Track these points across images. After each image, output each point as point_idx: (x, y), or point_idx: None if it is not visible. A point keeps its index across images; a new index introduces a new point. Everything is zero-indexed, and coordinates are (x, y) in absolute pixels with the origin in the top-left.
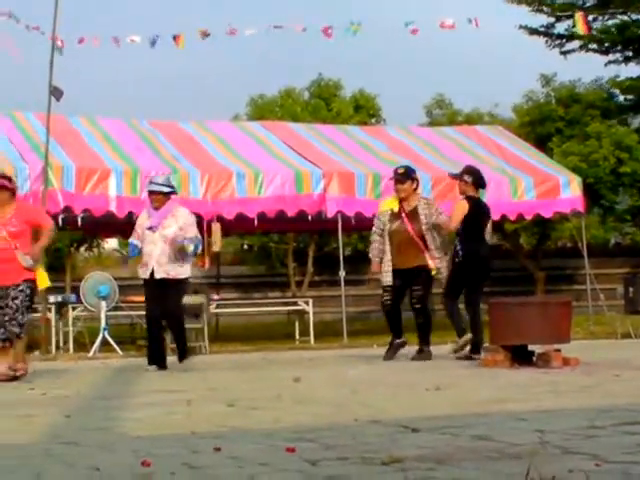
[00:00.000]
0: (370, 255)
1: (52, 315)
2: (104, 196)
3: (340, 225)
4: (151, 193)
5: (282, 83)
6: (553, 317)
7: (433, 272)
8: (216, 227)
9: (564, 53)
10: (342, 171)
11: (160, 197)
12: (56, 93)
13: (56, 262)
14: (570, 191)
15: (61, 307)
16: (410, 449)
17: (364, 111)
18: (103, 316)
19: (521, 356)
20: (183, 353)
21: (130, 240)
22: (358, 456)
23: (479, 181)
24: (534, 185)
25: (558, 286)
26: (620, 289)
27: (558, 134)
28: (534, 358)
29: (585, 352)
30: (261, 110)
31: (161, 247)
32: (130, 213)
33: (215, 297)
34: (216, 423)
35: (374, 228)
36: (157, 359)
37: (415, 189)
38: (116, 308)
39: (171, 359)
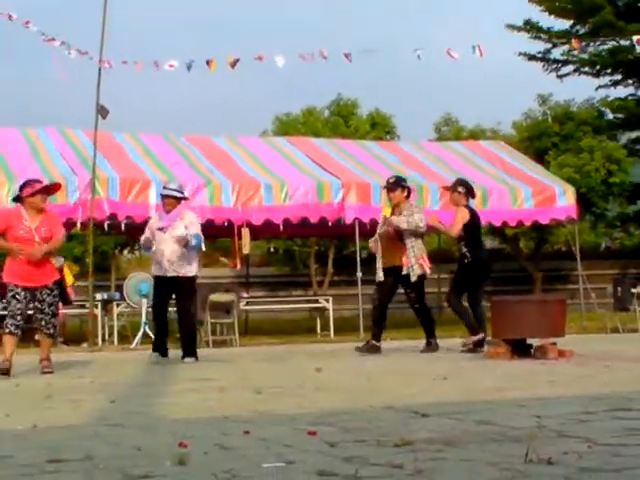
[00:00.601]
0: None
1: (98, 311)
2: (145, 204)
3: (357, 230)
4: (164, 197)
5: (305, 102)
6: (549, 313)
7: (404, 272)
8: (245, 232)
9: (560, 76)
10: (359, 182)
11: (172, 201)
12: (103, 112)
13: (102, 263)
14: (565, 200)
15: (106, 304)
16: (420, 432)
17: (380, 128)
18: (144, 312)
19: (520, 349)
20: (189, 351)
21: (144, 241)
22: (373, 439)
23: (471, 192)
24: (532, 194)
25: (554, 286)
26: (610, 289)
27: (554, 148)
28: (532, 350)
29: (578, 345)
30: (286, 127)
31: (171, 247)
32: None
33: (245, 295)
34: (245, 408)
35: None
36: (161, 349)
37: (407, 197)
38: None
39: (203, 352)
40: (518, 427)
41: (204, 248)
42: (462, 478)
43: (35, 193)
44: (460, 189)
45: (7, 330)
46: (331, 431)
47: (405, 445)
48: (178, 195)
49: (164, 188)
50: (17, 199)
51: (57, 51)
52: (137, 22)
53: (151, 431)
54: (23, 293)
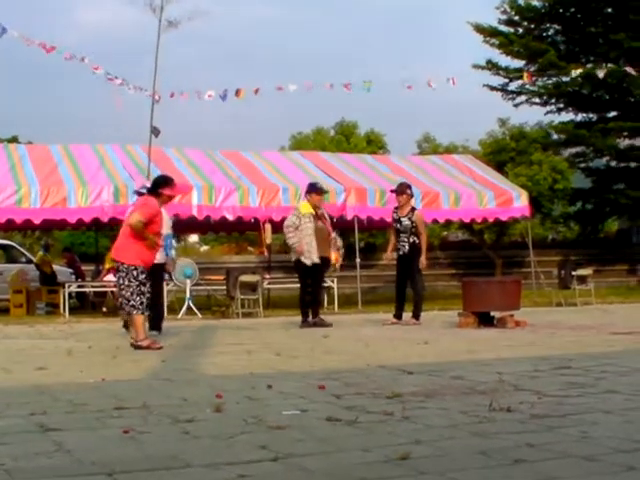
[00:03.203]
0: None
1: None
2: (188, 204)
3: (356, 225)
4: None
5: (314, 123)
6: (508, 291)
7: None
8: (268, 227)
9: (515, 105)
10: (357, 187)
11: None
12: (155, 132)
13: None
14: (520, 202)
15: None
16: (407, 387)
17: (374, 144)
18: (188, 290)
19: (485, 320)
20: (154, 324)
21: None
22: (369, 392)
23: (412, 193)
24: (494, 197)
25: (511, 269)
26: (555, 271)
27: (511, 161)
28: (494, 321)
29: (531, 316)
30: (299, 143)
31: None
32: (207, 217)
33: (267, 276)
34: (268, 367)
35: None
36: (157, 326)
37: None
38: (197, 284)
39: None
40: (484, 382)
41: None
42: (440, 423)
43: (174, 195)
44: (409, 192)
45: (141, 311)
46: (336, 385)
47: (395, 397)
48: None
49: (143, 187)
50: (154, 192)
51: (117, 88)
52: (183, 60)
53: (194, 385)
54: (146, 275)
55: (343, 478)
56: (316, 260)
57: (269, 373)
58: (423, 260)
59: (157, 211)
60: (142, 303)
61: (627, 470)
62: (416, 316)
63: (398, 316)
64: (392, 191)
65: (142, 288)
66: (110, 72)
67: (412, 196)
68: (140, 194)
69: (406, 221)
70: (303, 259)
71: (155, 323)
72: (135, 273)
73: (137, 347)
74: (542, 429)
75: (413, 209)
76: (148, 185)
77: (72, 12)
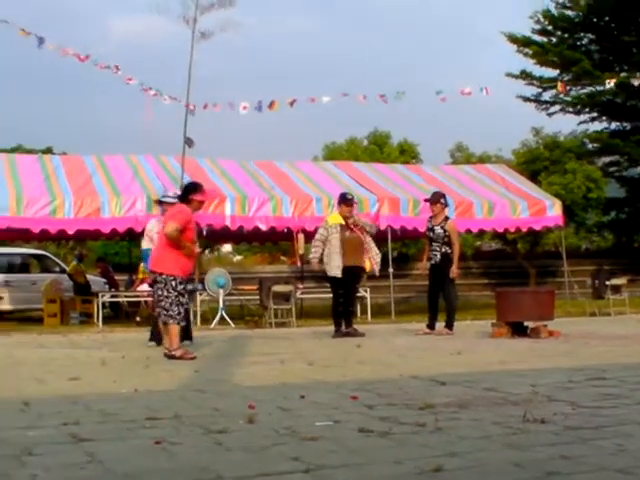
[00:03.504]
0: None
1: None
2: (222, 215)
3: (389, 235)
4: (164, 204)
5: (348, 133)
6: (541, 301)
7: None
8: (301, 237)
9: (549, 114)
10: (391, 197)
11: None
12: (189, 142)
13: None
14: (553, 211)
15: (191, 293)
16: (439, 398)
17: (407, 154)
18: (221, 299)
19: (519, 330)
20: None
21: (145, 247)
22: (402, 403)
23: (447, 203)
24: (528, 207)
25: (545, 279)
26: (589, 281)
27: (545, 170)
28: (528, 331)
29: (564, 326)
30: (332, 153)
31: None
32: (240, 227)
33: (300, 286)
34: (301, 377)
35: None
36: (157, 336)
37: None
38: (230, 294)
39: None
40: (517, 393)
41: None
42: (473, 434)
43: (204, 200)
44: (443, 201)
45: (177, 321)
46: (369, 396)
47: (427, 408)
48: (174, 201)
49: (165, 196)
50: (184, 199)
51: (151, 98)
52: (216, 72)
53: (226, 395)
54: (184, 285)
55: None
56: (338, 274)
57: (302, 383)
58: (454, 270)
59: (190, 218)
60: (179, 313)
61: None
62: (449, 326)
63: (431, 326)
64: (426, 200)
65: (181, 299)
66: (144, 83)
67: (446, 206)
68: (160, 203)
69: (439, 230)
70: (328, 271)
71: (187, 333)
72: (174, 284)
73: (170, 357)
74: (576, 441)
75: (447, 218)
76: (170, 194)
77: (105, 23)
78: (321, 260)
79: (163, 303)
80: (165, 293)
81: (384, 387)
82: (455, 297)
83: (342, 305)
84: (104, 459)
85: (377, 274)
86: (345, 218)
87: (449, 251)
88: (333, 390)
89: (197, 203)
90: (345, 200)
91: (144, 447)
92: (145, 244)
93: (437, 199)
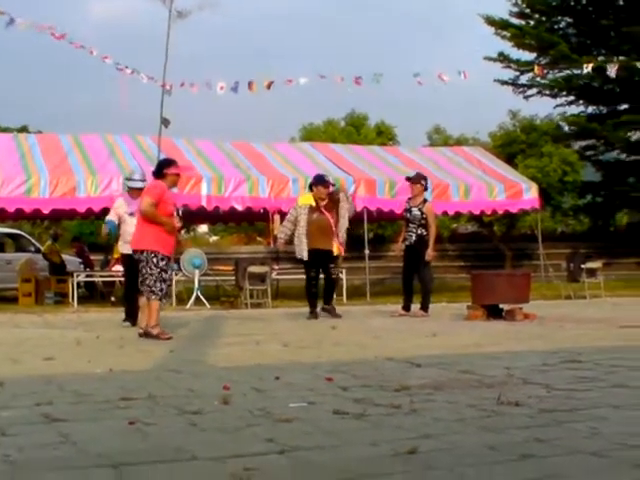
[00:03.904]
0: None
1: None
2: (197, 195)
3: (365, 217)
4: (132, 189)
5: (325, 115)
6: (517, 284)
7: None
8: (277, 217)
9: (526, 97)
10: (367, 178)
11: (138, 192)
12: (165, 122)
13: None
14: (530, 194)
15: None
16: (415, 379)
17: (384, 136)
18: (196, 280)
19: (494, 312)
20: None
21: (110, 218)
22: (377, 384)
23: (427, 186)
24: (504, 189)
25: (521, 262)
26: (564, 264)
27: (521, 153)
28: (503, 314)
29: (540, 309)
30: (310, 134)
31: None
32: (216, 207)
33: (276, 267)
34: (276, 358)
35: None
36: (131, 316)
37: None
38: (206, 274)
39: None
40: (492, 375)
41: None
42: (448, 416)
43: (179, 172)
44: (423, 182)
45: (159, 297)
46: (344, 378)
47: (403, 389)
48: (142, 185)
49: (130, 180)
50: (158, 175)
51: (129, 77)
52: (194, 52)
53: (201, 376)
54: (166, 261)
55: (350, 472)
56: (304, 256)
57: (277, 364)
58: (430, 252)
59: (164, 191)
60: (162, 290)
61: (636, 467)
62: (424, 308)
63: (406, 307)
64: (407, 179)
65: (163, 275)
66: (120, 62)
67: (426, 189)
68: (128, 185)
69: (416, 211)
70: (297, 253)
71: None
72: (155, 260)
73: (146, 335)
74: (551, 424)
75: (425, 200)
76: (136, 176)
77: (83, 4)
78: (290, 241)
79: (147, 281)
80: (148, 270)
81: (359, 369)
82: (430, 279)
83: (315, 287)
84: (77, 439)
85: (342, 254)
86: (319, 199)
87: (425, 233)
88: (308, 371)
89: (172, 177)
90: (322, 182)
91: (118, 428)
92: (109, 216)
93: (418, 179)
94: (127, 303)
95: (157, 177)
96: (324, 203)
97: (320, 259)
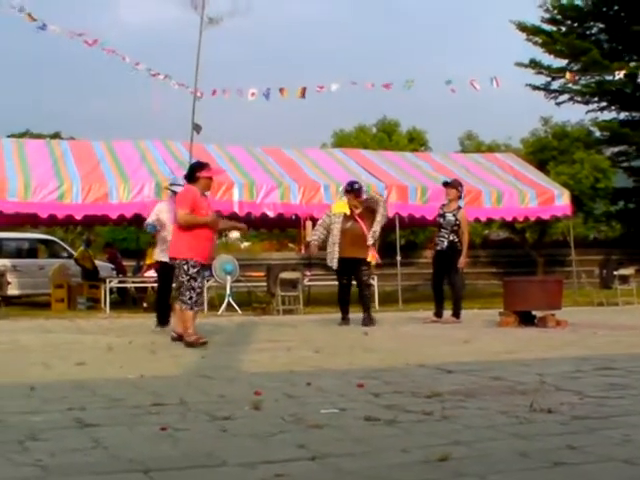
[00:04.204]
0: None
1: None
2: (229, 201)
3: (397, 223)
4: (175, 193)
5: (356, 121)
6: (549, 291)
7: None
8: (308, 224)
9: (558, 103)
10: (399, 185)
11: None
12: (197, 128)
13: None
14: (562, 200)
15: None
16: (446, 386)
17: (416, 142)
18: (228, 286)
19: (526, 319)
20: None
21: (150, 221)
22: (409, 390)
23: (462, 193)
24: (536, 196)
25: (553, 268)
26: (596, 271)
27: (553, 160)
28: (535, 320)
29: (572, 316)
30: (341, 140)
31: None
32: (248, 213)
33: (307, 273)
34: (307, 364)
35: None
36: (163, 322)
37: (459, 197)
38: (237, 280)
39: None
40: (524, 382)
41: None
42: (479, 423)
43: (211, 176)
44: (460, 188)
45: (189, 307)
46: (375, 384)
47: (434, 396)
48: None
49: (176, 185)
50: (191, 178)
51: (161, 84)
52: (225, 59)
53: (233, 382)
54: (198, 269)
55: (381, 479)
56: (334, 265)
57: (308, 370)
58: (463, 260)
59: (196, 195)
60: (191, 298)
61: None
62: (456, 314)
63: (438, 314)
64: (444, 184)
65: (192, 283)
66: (152, 68)
67: (460, 196)
68: (173, 190)
69: (450, 217)
70: (328, 261)
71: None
72: (186, 267)
73: (181, 340)
74: (583, 431)
75: (459, 207)
76: (179, 181)
77: (115, 11)
78: (323, 247)
79: (180, 288)
80: (179, 278)
81: (391, 375)
82: (462, 285)
83: (347, 294)
84: (109, 445)
85: (376, 262)
86: (353, 207)
87: (456, 240)
88: (339, 377)
89: (205, 180)
90: (353, 191)
91: (149, 433)
92: (149, 219)
93: (455, 185)
94: (159, 309)
95: (189, 181)
96: (358, 211)
97: (351, 267)
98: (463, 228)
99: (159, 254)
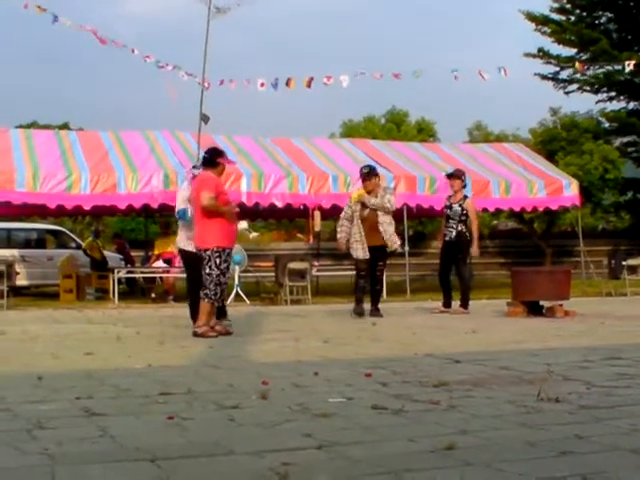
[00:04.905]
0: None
1: None
2: (238, 191)
3: (405, 213)
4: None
5: (365, 112)
6: (558, 281)
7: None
8: (317, 214)
9: (566, 93)
10: (407, 175)
11: None
12: (205, 119)
13: None
14: (570, 191)
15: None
16: (454, 375)
17: (425, 132)
18: (236, 276)
19: (534, 309)
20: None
21: (181, 207)
22: (416, 380)
23: (465, 184)
24: (545, 186)
25: (561, 259)
26: (605, 261)
27: (562, 150)
28: (543, 310)
29: (580, 306)
30: (350, 131)
31: None
32: (256, 203)
33: (316, 263)
34: (315, 354)
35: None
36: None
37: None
38: (246, 270)
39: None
40: (532, 372)
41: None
42: (487, 413)
43: (226, 164)
44: (464, 178)
45: (212, 300)
46: (383, 373)
47: (442, 385)
48: None
49: (198, 168)
50: (212, 163)
51: (169, 74)
52: (233, 49)
53: (240, 372)
54: (228, 262)
55: (388, 468)
56: (360, 256)
57: (316, 360)
58: (475, 249)
59: (218, 182)
60: (216, 294)
61: None
62: (464, 305)
63: (447, 304)
64: (447, 175)
65: (221, 278)
66: (161, 60)
67: (465, 185)
68: (195, 173)
69: (457, 207)
70: (352, 252)
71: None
72: (218, 261)
73: (194, 334)
74: (591, 420)
75: (465, 197)
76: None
77: (123, 3)
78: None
79: (206, 281)
80: (207, 270)
81: (398, 365)
82: (470, 276)
83: (366, 282)
84: (116, 434)
85: (398, 248)
86: (368, 193)
87: (464, 230)
88: (347, 367)
89: (222, 167)
90: (362, 175)
91: (157, 422)
92: (179, 205)
93: (458, 175)
94: (193, 305)
95: (210, 166)
96: (372, 202)
97: (373, 255)
98: (472, 217)
99: (184, 242)
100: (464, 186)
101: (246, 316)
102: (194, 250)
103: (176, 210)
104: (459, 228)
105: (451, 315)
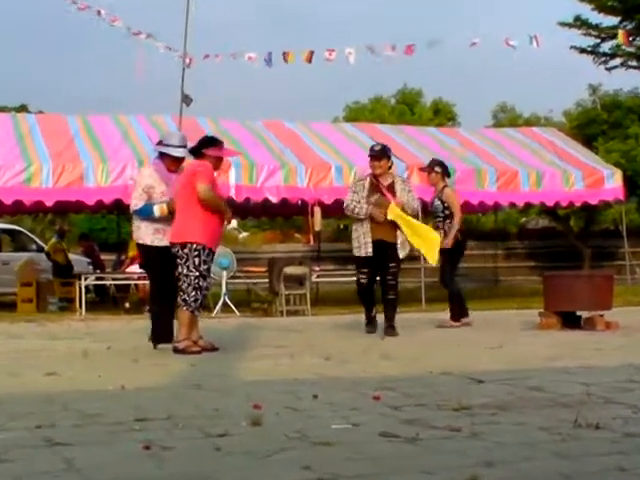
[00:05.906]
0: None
1: None
2: (225, 184)
3: (420, 209)
4: (168, 157)
5: (372, 92)
6: (598, 288)
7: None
8: (317, 210)
9: (608, 69)
10: (421, 165)
11: (176, 163)
12: (187, 100)
13: None
14: (613, 182)
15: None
16: (476, 398)
17: (442, 115)
18: (224, 283)
19: (570, 320)
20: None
21: (140, 203)
22: (433, 403)
23: (447, 171)
24: (583, 177)
25: (602, 262)
26: None
27: (603, 135)
28: (581, 322)
29: (624, 317)
30: (355, 114)
31: None
32: (247, 199)
33: (316, 268)
34: (314, 373)
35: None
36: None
37: (389, 167)
38: (234, 277)
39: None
40: (568, 394)
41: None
42: (515, 441)
43: (222, 156)
44: (437, 169)
45: (191, 308)
46: (394, 395)
47: (462, 409)
48: (182, 155)
49: (167, 146)
50: (196, 154)
51: (143, 44)
52: (221, 19)
53: (228, 393)
54: (209, 264)
55: None
56: (369, 252)
57: (316, 380)
58: (448, 241)
59: (212, 172)
60: (196, 300)
61: None
62: (454, 316)
63: (461, 314)
64: (420, 169)
65: (201, 282)
66: (132, 26)
67: (447, 175)
68: (164, 151)
69: (437, 202)
70: (354, 250)
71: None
72: (197, 261)
73: (175, 350)
74: (636, 450)
75: (444, 187)
76: (174, 141)
77: None
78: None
79: (182, 284)
80: (184, 271)
81: (411, 385)
82: (457, 292)
83: (372, 288)
84: (83, 466)
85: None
86: (376, 176)
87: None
88: (352, 388)
89: (212, 160)
90: (372, 153)
91: (130, 452)
92: (135, 199)
93: (431, 167)
94: (155, 317)
95: (194, 156)
96: (387, 182)
97: (382, 254)
98: (453, 209)
99: (150, 237)
100: (446, 175)
101: (235, 329)
102: (164, 245)
103: (133, 204)
104: (446, 227)
105: (473, 328)
